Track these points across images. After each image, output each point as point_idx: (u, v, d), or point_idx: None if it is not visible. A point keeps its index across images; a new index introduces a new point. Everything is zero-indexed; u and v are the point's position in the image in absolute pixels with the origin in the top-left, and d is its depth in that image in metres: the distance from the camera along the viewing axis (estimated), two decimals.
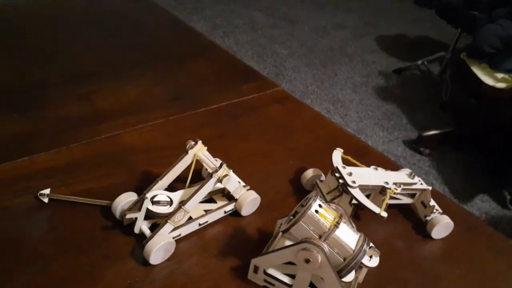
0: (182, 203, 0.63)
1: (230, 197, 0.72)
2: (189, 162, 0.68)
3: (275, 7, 3.62)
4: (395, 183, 0.71)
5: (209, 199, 0.72)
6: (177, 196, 0.67)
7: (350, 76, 2.88)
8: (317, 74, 2.84)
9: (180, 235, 0.66)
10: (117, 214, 0.66)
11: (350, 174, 0.70)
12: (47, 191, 0.69)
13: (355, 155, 0.75)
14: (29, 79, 0.99)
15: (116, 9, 1.38)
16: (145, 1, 1.48)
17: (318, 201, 0.57)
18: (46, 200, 0.69)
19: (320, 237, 0.55)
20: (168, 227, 0.63)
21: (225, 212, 0.71)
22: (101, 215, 0.68)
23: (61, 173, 0.75)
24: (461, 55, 2.15)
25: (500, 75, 1.97)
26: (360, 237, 0.57)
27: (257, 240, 0.69)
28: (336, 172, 0.71)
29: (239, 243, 0.68)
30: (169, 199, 0.66)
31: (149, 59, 1.16)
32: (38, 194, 0.69)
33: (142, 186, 0.71)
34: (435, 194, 0.77)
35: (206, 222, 0.69)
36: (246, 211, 0.72)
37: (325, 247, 0.54)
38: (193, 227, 0.67)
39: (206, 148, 0.69)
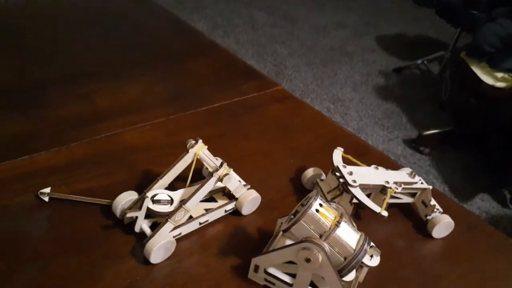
0: (182, 202, 0.63)
1: (230, 196, 0.72)
2: (189, 161, 0.68)
3: (276, 6, 3.62)
4: (395, 183, 0.71)
5: (210, 198, 0.72)
6: (177, 195, 0.67)
7: (350, 75, 2.88)
8: (317, 73, 2.84)
9: (180, 234, 0.66)
10: (118, 213, 0.66)
11: (351, 173, 0.70)
12: (47, 190, 0.69)
13: (355, 154, 0.75)
14: (30, 79, 0.99)
15: (116, 8, 1.38)
16: (145, 0, 1.48)
17: (318, 200, 0.56)
18: (46, 199, 0.69)
19: (320, 236, 0.55)
20: (168, 226, 0.63)
21: (225, 211, 0.71)
22: (102, 214, 0.68)
23: (61, 172, 0.75)
24: (460, 54, 2.15)
25: (499, 74, 1.97)
26: (360, 236, 0.57)
27: (257, 239, 0.69)
28: (337, 171, 0.71)
29: (239, 242, 0.68)
30: (169, 198, 0.66)
31: (150, 58, 1.16)
32: (39, 193, 0.69)
33: (142, 185, 0.71)
34: (435, 194, 0.77)
35: (207, 221, 0.69)
36: (246, 210, 0.72)
37: (326, 246, 0.54)
38: (193, 226, 0.67)
39: (206, 147, 0.69)
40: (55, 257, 0.61)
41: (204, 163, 0.67)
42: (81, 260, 0.61)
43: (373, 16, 3.76)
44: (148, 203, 0.63)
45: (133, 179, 0.76)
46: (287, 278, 0.60)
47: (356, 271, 0.60)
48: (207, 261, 0.64)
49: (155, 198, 0.65)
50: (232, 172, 0.68)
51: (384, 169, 0.75)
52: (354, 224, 0.60)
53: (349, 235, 0.56)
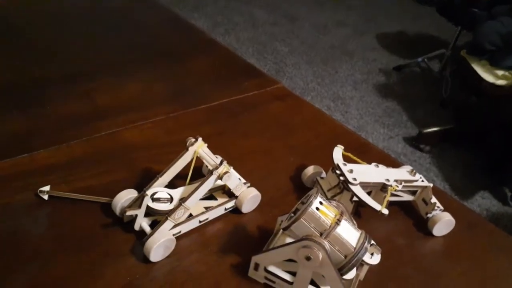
0: (182, 200, 0.63)
1: (230, 194, 0.72)
2: (189, 159, 0.68)
3: (276, 5, 3.61)
4: (396, 180, 0.71)
5: (210, 196, 0.72)
6: (177, 193, 0.67)
7: (351, 73, 2.88)
8: (318, 71, 2.84)
9: (180, 232, 0.65)
10: (117, 211, 0.66)
11: (351, 171, 0.70)
12: (47, 188, 0.69)
13: (355, 152, 0.75)
14: (29, 77, 0.99)
15: (117, 6, 1.37)
16: None
17: (318, 198, 0.56)
18: (46, 197, 0.68)
19: (321, 234, 0.55)
20: (168, 224, 0.62)
21: (225, 209, 0.71)
22: (101, 212, 0.68)
23: (61, 170, 0.75)
24: (461, 52, 2.14)
25: (500, 72, 1.96)
26: (361, 234, 0.57)
27: (257, 237, 0.69)
28: (337, 169, 0.71)
29: (239, 240, 0.68)
30: (169, 196, 0.66)
31: (150, 56, 1.16)
32: (38, 191, 0.69)
33: (142, 183, 0.71)
34: (436, 191, 0.77)
35: (207, 219, 0.69)
36: (246, 208, 0.72)
37: (326, 244, 0.54)
38: (193, 224, 0.67)
39: (206, 145, 0.69)
40: (55, 255, 0.61)
41: (204, 161, 0.67)
42: (81, 258, 0.61)
43: (373, 14, 3.75)
44: (147, 201, 0.63)
45: (133, 177, 0.75)
46: (287, 276, 0.60)
47: (357, 269, 0.60)
48: (207, 259, 0.64)
49: (154, 196, 0.65)
50: (232, 170, 0.68)
51: (384, 167, 0.75)
52: (355, 222, 0.60)
53: (349, 233, 0.56)
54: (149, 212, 0.64)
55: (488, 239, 0.76)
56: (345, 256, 0.55)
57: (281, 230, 0.64)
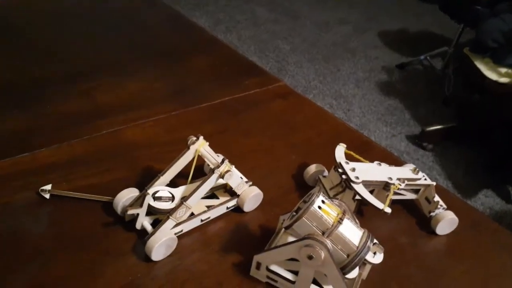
0: (184, 199, 0.63)
1: (232, 193, 0.72)
2: (190, 158, 0.67)
3: (277, 2, 3.61)
4: (398, 179, 0.71)
5: (211, 195, 0.72)
6: (179, 192, 0.67)
7: (353, 71, 2.87)
8: (320, 69, 2.83)
9: (182, 231, 0.65)
10: (119, 210, 0.66)
11: (353, 169, 0.70)
12: (48, 187, 0.69)
13: (358, 151, 0.75)
14: (30, 76, 0.99)
15: (118, 5, 1.37)
16: None
17: (321, 197, 0.56)
18: (47, 196, 0.68)
19: (323, 233, 0.55)
20: (170, 223, 0.62)
21: (227, 208, 0.71)
22: (103, 211, 0.68)
23: (62, 169, 0.75)
24: (464, 49, 2.13)
25: (503, 70, 1.95)
26: (363, 233, 0.57)
27: (259, 236, 0.68)
28: (339, 168, 0.71)
29: (241, 239, 0.68)
30: (171, 195, 0.66)
31: (151, 54, 1.15)
32: (39, 190, 0.68)
33: (143, 181, 0.71)
34: (439, 190, 0.76)
35: (208, 218, 0.69)
36: (248, 207, 0.72)
37: (328, 243, 0.54)
38: (195, 223, 0.67)
39: (208, 143, 0.68)
40: (55, 254, 0.61)
41: (206, 159, 0.67)
42: (82, 257, 0.61)
43: (375, 11, 3.74)
44: (149, 200, 0.63)
45: (134, 176, 0.75)
46: (289, 276, 0.60)
47: (359, 268, 0.59)
48: (208, 258, 0.64)
49: (156, 195, 0.65)
50: (233, 169, 0.67)
51: (387, 165, 0.74)
52: (357, 221, 0.60)
53: (352, 232, 0.56)
54: (151, 211, 0.64)
55: (491, 237, 0.76)
56: (348, 255, 0.55)
57: (283, 229, 0.64)
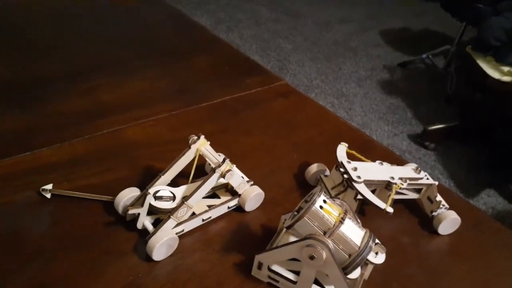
0: (185, 198, 0.63)
1: (233, 193, 0.71)
2: (192, 157, 0.67)
3: (279, 1, 3.61)
4: (400, 178, 0.70)
5: (212, 194, 0.72)
6: (180, 191, 0.67)
7: (355, 70, 2.86)
8: (321, 68, 2.83)
9: (183, 230, 0.65)
10: (120, 209, 0.66)
11: (355, 169, 0.69)
12: (49, 186, 0.69)
13: (359, 150, 0.74)
14: (31, 74, 0.99)
15: (119, 3, 1.37)
16: None
17: (322, 197, 0.56)
18: (48, 195, 0.68)
19: (324, 233, 0.54)
20: (171, 222, 0.62)
21: (228, 207, 0.71)
22: (104, 210, 0.68)
23: (63, 168, 0.75)
24: (466, 48, 2.13)
25: (505, 68, 1.95)
26: (365, 233, 0.56)
27: (261, 236, 0.68)
28: (341, 167, 0.70)
29: (242, 239, 0.67)
30: (172, 195, 0.66)
31: (152, 53, 1.15)
32: (40, 189, 0.68)
33: (144, 181, 0.70)
34: (441, 189, 0.76)
35: (210, 217, 0.68)
36: (249, 206, 0.71)
37: (330, 243, 0.53)
38: (196, 222, 0.67)
39: (209, 142, 0.68)
40: (56, 254, 0.61)
41: (207, 159, 0.67)
42: (82, 257, 0.61)
43: (377, 10, 3.74)
44: (150, 200, 0.63)
45: (135, 175, 0.75)
46: (291, 276, 0.59)
47: (361, 268, 0.59)
48: (210, 258, 0.63)
49: (157, 195, 0.64)
50: (235, 168, 0.67)
51: (389, 165, 0.74)
52: (359, 221, 0.59)
53: (353, 232, 0.55)
54: (152, 210, 0.64)
55: (494, 237, 0.75)
56: (349, 255, 0.55)
57: (285, 229, 0.63)
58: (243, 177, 0.71)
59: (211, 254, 0.64)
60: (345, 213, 0.56)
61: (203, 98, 0.99)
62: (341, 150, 0.73)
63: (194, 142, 0.67)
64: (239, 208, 0.72)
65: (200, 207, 0.67)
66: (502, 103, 2.08)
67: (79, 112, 0.89)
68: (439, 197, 0.73)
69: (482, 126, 2.25)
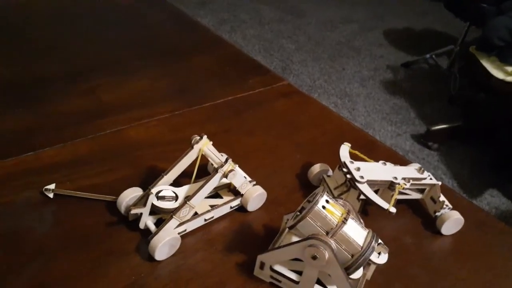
0: (187, 198, 0.62)
1: (236, 192, 0.71)
2: (194, 157, 0.67)
3: (282, 1, 3.60)
4: (404, 178, 0.70)
5: (215, 194, 0.72)
6: (182, 191, 0.67)
7: (358, 70, 2.86)
8: (325, 68, 2.82)
9: (185, 230, 0.65)
10: (122, 209, 0.66)
11: (358, 169, 0.69)
12: (52, 186, 0.69)
13: (363, 150, 0.74)
14: (33, 74, 0.99)
15: (121, 3, 1.37)
16: None
17: (325, 197, 0.56)
18: (51, 195, 0.68)
19: (327, 233, 0.54)
20: (173, 222, 0.62)
21: (231, 207, 0.71)
22: (106, 210, 0.68)
23: (65, 168, 0.75)
24: (470, 48, 2.12)
25: (510, 69, 1.94)
26: (368, 233, 0.56)
27: (263, 236, 0.68)
28: (344, 167, 0.70)
29: (245, 239, 0.67)
30: (174, 194, 0.66)
31: (155, 53, 1.15)
32: (43, 189, 0.68)
33: (147, 181, 0.70)
34: (444, 189, 0.76)
35: (212, 217, 0.68)
36: (252, 206, 0.71)
37: (333, 243, 0.53)
38: (198, 222, 0.67)
39: (211, 142, 0.68)
40: (58, 254, 0.61)
41: (209, 159, 0.67)
42: (85, 256, 0.61)
43: (380, 10, 3.73)
44: (152, 200, 0.63)
45: (137, 175, 0.75)
46: (293, 276, 0.59)
47: (364, 268, 0.59)
48: (212, 258, 0.63)
49: (159, 195, 0.64)
50: (237, 168, 0.67)
51: (392, 165, 0.74)
52: (362, 221, 0.59)
53: (356, 232, 0.55)
54: (154, 210, 0.64)
55: (497, 237, 0.75)
56: (352, 255, 0.55)
57: (287, 229, 0.63)
58: (245, 177, 0.71)
59: (213, 254, 0.64)
60: (348, 213, 0.56)
61: (205, 98, 0.99)
62: (344, 150, 0.73)
63: (197, 142, 0.67)
64: (241, 208, 0.72)
65: (202, 207, 0.67)
66: (506, 103, 2.08)
67: (79, 112, 0.89)
68: (442, 197, 0.73)
69: (485, 126, 2.24)
